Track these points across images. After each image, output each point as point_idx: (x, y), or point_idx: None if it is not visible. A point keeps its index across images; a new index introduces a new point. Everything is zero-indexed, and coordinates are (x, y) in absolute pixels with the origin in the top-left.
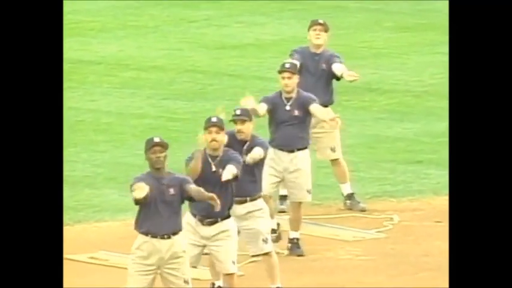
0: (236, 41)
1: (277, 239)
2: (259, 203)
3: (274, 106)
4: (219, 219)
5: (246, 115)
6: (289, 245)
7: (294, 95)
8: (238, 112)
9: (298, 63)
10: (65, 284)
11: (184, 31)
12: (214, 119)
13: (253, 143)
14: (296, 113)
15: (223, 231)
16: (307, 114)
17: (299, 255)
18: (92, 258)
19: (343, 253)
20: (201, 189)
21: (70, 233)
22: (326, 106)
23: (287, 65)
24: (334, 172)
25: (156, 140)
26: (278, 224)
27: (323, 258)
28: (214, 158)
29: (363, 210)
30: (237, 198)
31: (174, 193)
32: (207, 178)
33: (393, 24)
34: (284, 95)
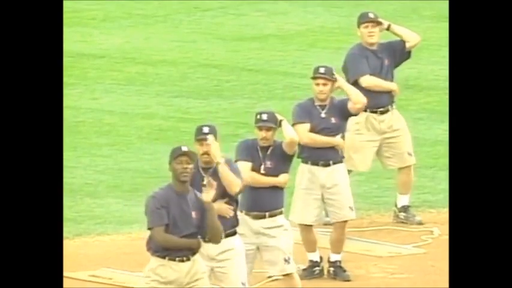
0: (256, 31)
1: (321, 273)
2: (280, 219)
3: (309, 115)
4: (222, 236)
5: (273, 121)
6: (332, 269)
7: (327, 102)
8: (264, 117)
9: (333, 68)
10: None
11: (197, 20)
12: (206, 129)
13: (278, 148)
14: (333, 120)
15: (228, 250)
16: (344, 121)
17: (346, 281)
18: (93, 276)
19: (376, 270)
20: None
21: (69, 247)
22: (392, 106)
23: (322, 70)
24: (400, 180)
25: (184, 148)
26: (321, 257)
27: (353, 276)
28: (206, 170)
29: (419, 224)
30: (254, 213)
31: (196, 217)
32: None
33: (433, 13)
34: (317, 102)
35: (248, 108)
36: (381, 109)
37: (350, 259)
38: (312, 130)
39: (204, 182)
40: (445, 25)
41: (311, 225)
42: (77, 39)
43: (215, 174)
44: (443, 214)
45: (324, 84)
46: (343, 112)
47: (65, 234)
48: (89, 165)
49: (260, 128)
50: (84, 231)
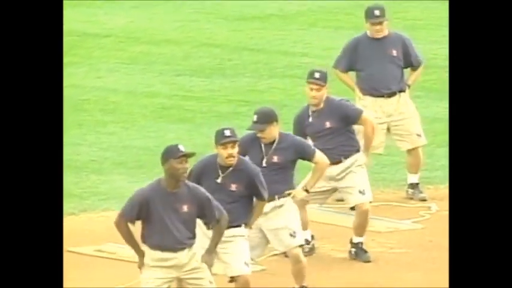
0: (258, 11)
1: (310, 251)
2: (287, 199)
3: (306, 123)
4: (229, 228)
5: (265, 121)
6: (353, 249)
7: (321, 105)
8: (254, 119)
9: (326, 72)
10: (69, 279)
11: (200, 1)
12: (227, 132)
13: (284, 142)
14: (328, 124)
15: (232, 236)
16: (342, 122)
17: (366, 262)
18: (98, 251)
19: (375, 245)
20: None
21: (74, 223)
22: (399, 92)
23: (316, 75)
24: (409, 161)
25: (183, 149)
26: (312, 236)
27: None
28: (224, 168)
29: (422, 200)
30: None
31: (188, 210)
32: (212, 189)
33: None
34: (312, 108)
35: (250, 87)
36: (387, 93)
37: (350, 234)
38: (311, 135)
39: (218, 181)
40: (444, 5)
41: (304, 204)
42: (82, 19)
43: (233, 175)
44: (441, 190)
45: (318, 90)
46: (340, 118)
47: (70, 210)
48: (94, 142)
49: (254, 129)
50: (89, 207)
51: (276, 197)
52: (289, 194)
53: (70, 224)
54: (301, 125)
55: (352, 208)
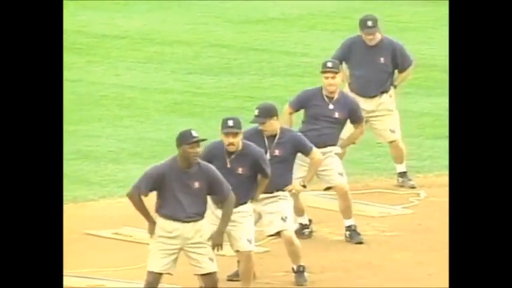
0: (261, 15)
1: (310, 235)
2: (285, 192)
3: (311, 102)
4: (237, 206)
5: (265, 115)
6: (348, 233)
7: (336, 95)
8: (256, 113)
9: (338, 62)
10: (88, 259)
11: (208, 5)
12: (230, 123)
13: (284, 137)
14: (337, 115)
15: (239, 212)
16: (346, 117)
17: (359, 243)
18: (116, 233)
19: (369, 229)
20: (226, 218)
21: (94, 208)
22: (381, 93)
23: (329, 64)
24: (391, 153)
25: (196, 135)
26: (310, 220)
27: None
28: (229, 154)
29: (412, 187)
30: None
31: (199, 186)
32: (220, 173)
33: None
34: (325, 93)
35: (254, 84)
36: (370, 95)
37: None
38: (316, 116)
39: (228, 166)
40: (432, 9)
41: (296, 193)
42: (101, 22)
43: (238, 159)
44: (429, 178)
45: (333, 77)
46: (348, 113)
47: (90, 197)
48: (111, 134)
49: (255, 122)
50: (108, 194)
51: (274, 190)
52: (286, 190)
53: (90, 209)
54: (308, 100)
55: (327, 189)
